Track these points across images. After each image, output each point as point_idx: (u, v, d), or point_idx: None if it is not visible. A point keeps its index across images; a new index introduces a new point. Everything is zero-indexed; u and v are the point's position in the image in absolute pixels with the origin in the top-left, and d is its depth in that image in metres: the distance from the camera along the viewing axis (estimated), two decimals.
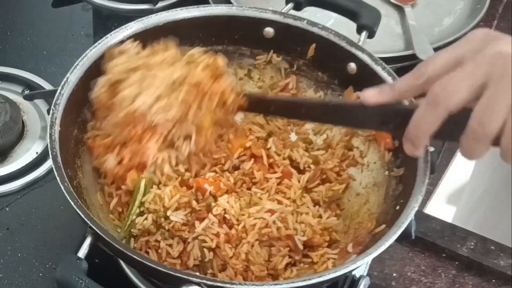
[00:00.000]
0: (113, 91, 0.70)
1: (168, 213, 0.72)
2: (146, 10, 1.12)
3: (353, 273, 0.76)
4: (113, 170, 0.71)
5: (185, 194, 0.73)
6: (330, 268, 0.70)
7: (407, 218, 0.65)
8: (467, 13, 1.10)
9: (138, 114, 0.68)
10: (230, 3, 1.01)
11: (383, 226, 0.69)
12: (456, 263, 0.86)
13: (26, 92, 0.99)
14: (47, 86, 1.00)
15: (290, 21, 0.81)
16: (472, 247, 0.85)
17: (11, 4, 1.16)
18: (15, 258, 0.82)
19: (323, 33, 0.81)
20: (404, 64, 0.99)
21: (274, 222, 0.72)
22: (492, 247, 0.85)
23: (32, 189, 0.90)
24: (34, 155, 0.92)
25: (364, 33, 0.82)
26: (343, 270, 0.62)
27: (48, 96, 0.95)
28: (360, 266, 0.71)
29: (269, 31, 0.83)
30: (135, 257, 0.61)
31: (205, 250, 0.70)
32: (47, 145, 0.70)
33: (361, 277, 0.77)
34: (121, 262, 0.78)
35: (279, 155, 0.80)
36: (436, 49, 0.98)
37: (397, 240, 0.64)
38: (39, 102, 0.98)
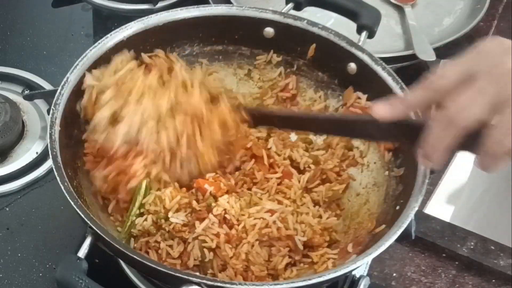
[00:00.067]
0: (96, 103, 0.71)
1: (169, 214, 0.72)
2: (146, 10, 1.12)
3: (353, 273, 0.76)
4: (101, 186, 0.72)
5: (186, 195, 0.73)
6: (330, 268, 0.70)
7: (407, 218, 0.65)
8: (467, 13, 1.10)
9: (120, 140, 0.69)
10: (230, 3, 1.01)
11: (383, 226, 0.69)
12: (456, 263, 0.86)
13: (26, 92, 0.99)
14: (47, 86, 1.00)
15: (290, 21, 0.82)
16: (472, 247, 0.85)
17: (11, 4, 1.16)
18: (15, 258, 0.82)
19: (323, 33, 0.81)
20: (404, 64, 0.99)
21: (274, 222, 0.72)
22: (492, 247, 0.85)
23: (32, 189, 0.90)
24: (34, 155, 0.92)
25: (364, 33, 0.82)
26: (343, 270, 0.62)
27: (48, 96, 0.95)
28: (360, 266, 0.71)
29: (269, 31, 0.83)
30: (135, 257, 0.61)
31: (205, 250, 0.70)
32: (47, 145, 0.70)
33: (361, 277, 0.77)
34: (121, 262, 0.78)
35: (279, 155, 0.80)
36: (436, 49, 0.98)
37: (397, 240, 0.64)
38: (39, 102, 0.98)
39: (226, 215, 0.71)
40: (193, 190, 0.74)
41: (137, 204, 0.72)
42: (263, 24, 0.82)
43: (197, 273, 0.69)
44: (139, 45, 0.79)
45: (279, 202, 0.75)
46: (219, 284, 0.60)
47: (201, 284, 0.59)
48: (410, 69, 0.99)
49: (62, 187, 0.64)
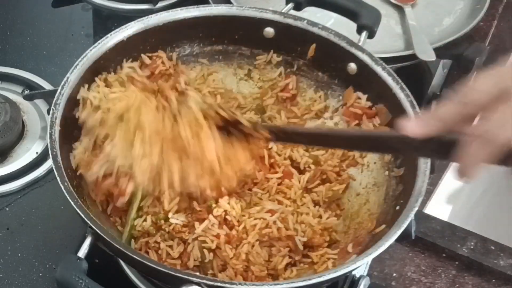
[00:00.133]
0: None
1: (169, 215, 0.72)
2: (146, 10, 1.12)
3: (353, 273, 0.76)
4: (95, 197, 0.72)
5: (185, 198, 0.73)
6: (330, 268, 0.69)
7: (407, 218, 0.65)
8: (467, 13, 1.10)
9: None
10: (230, 3, 1.01)
11: (383, 226, 0.69)
12: (456, 263, 0.86)
13: (26, 92, 0.99)
14: (47, 86, 1.00)
15: (290, 21, 0.81)
16: (472, 247, 0.85)
17: (11, 4, 1.16)
18: (15, 258, 0.82)
19: (323, 33, 0.81)
20: (404, 64, 0.99)
21: (274, 222, 0.72)
22: (492, 247, 0.85)
23: (32, 189, 0.90)
24: (34, 155, 0.92)
25: (364, 33, 0.82)
26: (343, 270, 0.62)
27: (48, 96, 0.95)
28: (360, 266, 0.71)
29: (269, 31, 0.83)
30: (135, 257, 0.61)
31: (205, 251, 0.70)
32: (47, 145, 0.70)
33: (361, 277, 0.77)
34: (121, 262, 0.78)
35: (280, 155, 0.80)
36: (436, 49, 0.98)
37: (397, 240, 0.64)
38: (39, 102, 0.99)
39: (227, 216, 0.71)
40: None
41: (135, 209, 0.72)
42: (263, 24, 0.82)
43: (197, 273, 0.69)
44: (139, 45, 0.79)
45: (279, 202, 0.75)
46: (219, 284, 0.60)
47: (201, 284, 0.59)
48: (410, 69, 0.99)
49: (62, 187, 0.64)
